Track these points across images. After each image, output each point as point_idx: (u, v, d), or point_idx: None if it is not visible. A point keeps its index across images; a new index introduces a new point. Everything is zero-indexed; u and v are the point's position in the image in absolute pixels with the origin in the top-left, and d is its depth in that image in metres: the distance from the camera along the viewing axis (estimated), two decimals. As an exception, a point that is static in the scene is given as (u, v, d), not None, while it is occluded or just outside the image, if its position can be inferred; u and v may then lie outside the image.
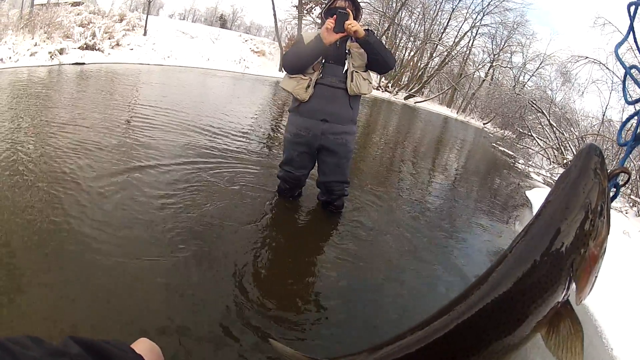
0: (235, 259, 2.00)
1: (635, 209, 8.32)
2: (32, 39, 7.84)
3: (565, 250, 0.50)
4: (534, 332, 0.55)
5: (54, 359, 0.38)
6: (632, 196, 8.86)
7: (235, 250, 2.10)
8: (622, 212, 7.70)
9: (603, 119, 12.51)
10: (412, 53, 23.58)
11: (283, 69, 2.70)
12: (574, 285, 0.52)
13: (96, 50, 9.60)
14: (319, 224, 2.69)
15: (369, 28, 2.51)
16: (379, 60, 2.53)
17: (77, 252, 1.74)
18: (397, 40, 23.09)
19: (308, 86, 2.58)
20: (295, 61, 2.56)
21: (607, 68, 12.00)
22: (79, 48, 9.12)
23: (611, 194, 0.58)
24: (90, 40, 9.54)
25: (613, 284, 3.46)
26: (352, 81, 2.57)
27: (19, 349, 0.35)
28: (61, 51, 8.14)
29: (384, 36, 20.12)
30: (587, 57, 12.27)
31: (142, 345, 0.57)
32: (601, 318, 2.75)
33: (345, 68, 2.60)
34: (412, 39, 23.53)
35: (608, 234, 0.52)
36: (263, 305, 1.70)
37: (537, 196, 6.09)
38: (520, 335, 0.53)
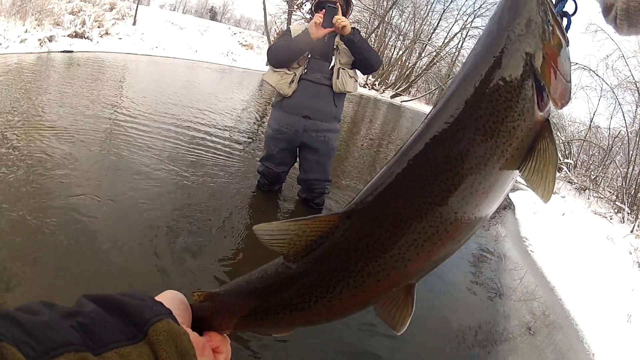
0: (212, 252, 2.10)
1: (620, 215, 8.46)
2: (23, 25, 7.90)
3: (521, 49, 0.47)
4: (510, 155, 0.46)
5: (67, 320, 0.36)
6: (617, 202, 9.12)
7: (212, 243, 2.17)
8: (606, 217, 7.94)
9: (590, 125, 12.91)
10: (400, 52, 23.91)
11: (267, 61, 2.62)
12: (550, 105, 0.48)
13: (85, 38, 9.65)
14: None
15: (355, 27, 2.52)
16: (363, 60, 2.50)
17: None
18: (386, 39, 23.40)
19: (292, 81, 2.51)
20: (280, 54, 2.49)
21: (597, 75, 12.25)
22: (68, 36, 9.18)
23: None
24: (79, 29, 9.59)
25: (596, 288, 3.51)
26: (337, 78, 2.52)
27: (27, 317, 0.33)
28: (50, 38, 8.20)
29: (373, 34, 20.38)
30: (577, 63, 12.58)
31: (164, 295, 0.54)
32: (582, 323, 2.77)
33: (332, 64, 2.54)
34: (401, 38, 23.86)
35: (565, 42, 0.49)
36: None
37: (521, 199, 6.29)
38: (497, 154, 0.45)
